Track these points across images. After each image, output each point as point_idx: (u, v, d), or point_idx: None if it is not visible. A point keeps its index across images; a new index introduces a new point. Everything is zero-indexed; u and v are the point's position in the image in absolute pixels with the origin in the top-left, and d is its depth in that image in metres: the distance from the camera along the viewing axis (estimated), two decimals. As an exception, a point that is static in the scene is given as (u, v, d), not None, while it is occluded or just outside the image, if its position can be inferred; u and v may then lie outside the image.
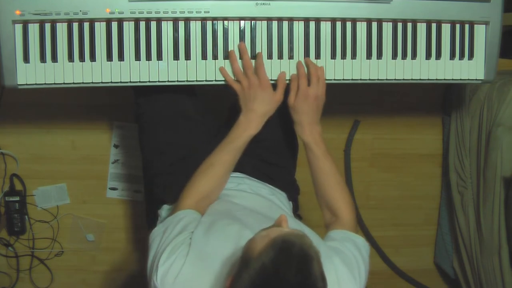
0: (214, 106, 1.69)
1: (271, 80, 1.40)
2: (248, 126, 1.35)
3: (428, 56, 1.49)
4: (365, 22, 1.45)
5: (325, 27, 1.44)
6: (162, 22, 1.38)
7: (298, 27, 1.43)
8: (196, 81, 1.41)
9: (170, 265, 1.05)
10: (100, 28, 1.36)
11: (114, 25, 1.36)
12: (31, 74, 1.35)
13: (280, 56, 1.42)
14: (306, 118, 1.37)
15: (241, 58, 1.40)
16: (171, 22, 1.38)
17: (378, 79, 1.48)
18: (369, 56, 1.46)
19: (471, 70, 1.52)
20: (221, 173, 1.33)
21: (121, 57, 1.37)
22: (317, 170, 1.38)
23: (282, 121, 1.54)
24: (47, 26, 1.34)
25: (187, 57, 1.39)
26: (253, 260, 0.86)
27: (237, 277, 0.87)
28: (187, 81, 1.40)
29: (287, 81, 1.42)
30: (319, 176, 1.38)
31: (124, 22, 1.36)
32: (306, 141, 1.38)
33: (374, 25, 1.46)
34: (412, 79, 1.50)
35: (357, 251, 1.20)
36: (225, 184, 1.36)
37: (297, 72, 1.42)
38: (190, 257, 1.06)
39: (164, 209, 1.44)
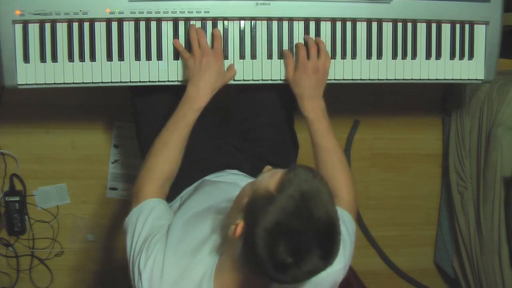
0: (213, 106, 1.69)
1: (272, 80, 1.40)
2: (197, 98, 1.29)
3: (428, 56, 1.49)
4: (365, 22, 1.45)
5: (325, 27, 1.44)
6: (162, 22, 1.38)
7: (298, 27, 1.43)
8: (196, 81, 1.40)
9: (151, 269, 1.04)
10: (100, 28, 1.36)
11: (114, 25, 1.36)
12: (31, 74, 1.35)
13: (280, 56, 1.42)
14: (307, 92, 1.34)
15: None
16: (171, 22, 1.38)
17: (378, 79, 1.48)
18: (369, 56, 1.46)
19: (471, 70, 1.52)
20: (176, 152, 1.27)
21: (121, 57, 1.37)
22: (318, 147, 1.33)
23: (282, 120, 1.54)
24: (47, 26, 1.34)
25: (187, 57, 1.39)
26: (276, 194, 0.88)
27: (259, 214, 0.87)
28: (187, 81, 1.40)
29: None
30: (319, 154, 1.34)
31: (124, 22, 1.36)
32: (307, 116, 1.34)
33: (374, 25, 1.46)
34: (412, 79, 1.50)
35: (345, 229, 1.17)
36: (180, 161, 1.29)
37: (295, 50, 1.40)
38: (168, 253, 1.04)
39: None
